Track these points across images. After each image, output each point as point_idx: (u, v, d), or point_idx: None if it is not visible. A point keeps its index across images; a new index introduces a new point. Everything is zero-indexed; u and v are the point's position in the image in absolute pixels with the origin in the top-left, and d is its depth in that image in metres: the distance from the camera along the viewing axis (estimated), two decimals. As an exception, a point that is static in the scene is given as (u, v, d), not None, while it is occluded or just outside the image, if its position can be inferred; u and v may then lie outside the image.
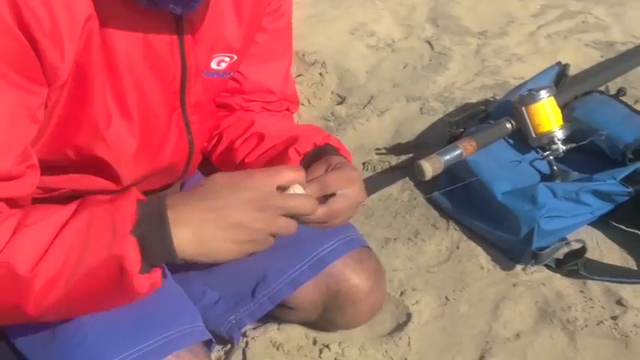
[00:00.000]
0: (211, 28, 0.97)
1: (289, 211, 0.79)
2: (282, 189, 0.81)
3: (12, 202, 0.80)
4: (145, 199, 0.79)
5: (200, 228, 0.76)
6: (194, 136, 1.06)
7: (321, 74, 2.09)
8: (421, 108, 1.97)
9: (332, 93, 2.07)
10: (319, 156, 1.02)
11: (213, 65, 1.03)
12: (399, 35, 2.37)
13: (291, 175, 0.81)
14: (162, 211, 0.76)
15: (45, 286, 0.74)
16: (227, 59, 1.05)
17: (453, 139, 1.66)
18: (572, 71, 2.06)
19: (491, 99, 1.98)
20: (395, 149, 1.80)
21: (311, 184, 0.86)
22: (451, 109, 1.96)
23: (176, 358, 0.95)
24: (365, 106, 1.96)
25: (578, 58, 2.25)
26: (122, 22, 0.86)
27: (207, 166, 1.22)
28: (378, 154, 1.80)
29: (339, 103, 2.03)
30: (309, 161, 1.02)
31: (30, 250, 0.74)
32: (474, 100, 2.00)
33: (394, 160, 1.77)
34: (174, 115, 1.01)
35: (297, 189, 0.82)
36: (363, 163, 1.77)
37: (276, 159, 1.08)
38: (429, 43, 2.32)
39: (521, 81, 2.06)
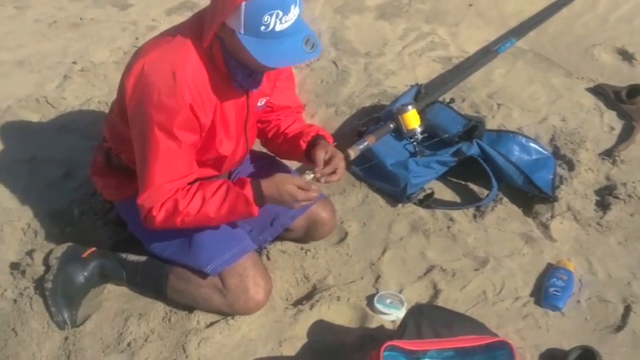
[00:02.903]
0: None
1: (306, 200, 1.93)
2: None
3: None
4: (253, 184, 1.90)
5: (272, 199, 1.91)
6: (249, 143, 2.15)
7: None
8: (335, 111, 3.12)
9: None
10: (315, 141, 2.10)
11: (259, 104, 2.10)
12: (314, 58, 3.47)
13: (305, 180, 1.93)
14: (261, 191, 1.89)
15: (219, 219, 1.88)
16: (265, 99, 2.13)
17: (360, 134, 2.82)
18: (422, 80, 3.28)
19: (378, 104, 3.15)
20: (323, 139, 2.93)
21: (327, 168, 2.00)
22: (354, 111, 3.12)
23: (249, 254, 2.07)
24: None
25: (429, 71, 3.47)
26: (226, 97, 1.93)
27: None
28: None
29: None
30: (310, 145, 2.10)
31: (213, 208, 1.87)
32: (367, 105, 3.16)
33: (324, 146, 2.90)
34: (242, 134, 2.08)
35: (309, 176, 1.96)
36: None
37: (293, 144, 2.16)
38: (335, 63, 3.46)
39: (395, 90, 3.25)
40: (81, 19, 3.85)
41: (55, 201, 2.57)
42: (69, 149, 2.84)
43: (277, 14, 1.64)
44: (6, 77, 3.32)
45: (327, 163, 2.03)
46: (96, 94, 3.21)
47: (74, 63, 3.43)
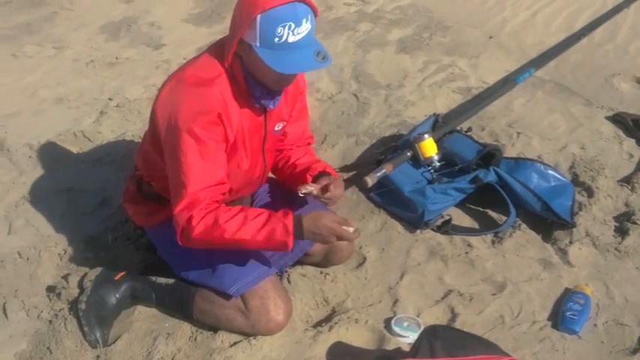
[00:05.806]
0: (276, 110, 2.15)
1: (341, 237, 2.03)
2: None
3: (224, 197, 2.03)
4: (294, 216, 1.99)
5: (310, 233, 1.99)
6: (267, 164, 2.27)
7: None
8: (356, 141, 3.23)
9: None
10: (320, 176, 2.23)
11: (276, 127, 2.23)
12: (335, 90, 3.62)
13: (342, 221, 2.03)
14: (301, 223, 1.97)
15: (254, 244, 1.97)
16: (282, 124, 2.26)
17: (378, 163, 2.92)
18: (442, 110, 3.37)
19: (397, 133, 3.25)
20: (344, 169, 3.04)
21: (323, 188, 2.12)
22: (374, 141, 3.23)
23: (271, 277, 2.16)
24: (322, 142, 3.19)
25: (448, 101, 3.57)
26: (246, 114, 2.06)
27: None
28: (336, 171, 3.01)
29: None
30: (315, 179, 2.23)
31: (253, 229, 1.95)
32: (387, 134, 3.26)
33: (345, 175, 3.00)
34: (260, 153, 2.20)
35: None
36: (327, 178, 2.97)
37: (301, 176, 2.28)
38: (356, 95, 3.58)
39: (414, 120, 3.34)
40: (116, 58, 4.06)
41: (90, 228, 2.72)
42: (104, 180, 3.00)
43: (290, 26, 1.81)
44: (46, 113, 3.51)
45: (325, 188, 2.15)
46: (130, 128, 3.37)
47: (110, 99, 3.62)
